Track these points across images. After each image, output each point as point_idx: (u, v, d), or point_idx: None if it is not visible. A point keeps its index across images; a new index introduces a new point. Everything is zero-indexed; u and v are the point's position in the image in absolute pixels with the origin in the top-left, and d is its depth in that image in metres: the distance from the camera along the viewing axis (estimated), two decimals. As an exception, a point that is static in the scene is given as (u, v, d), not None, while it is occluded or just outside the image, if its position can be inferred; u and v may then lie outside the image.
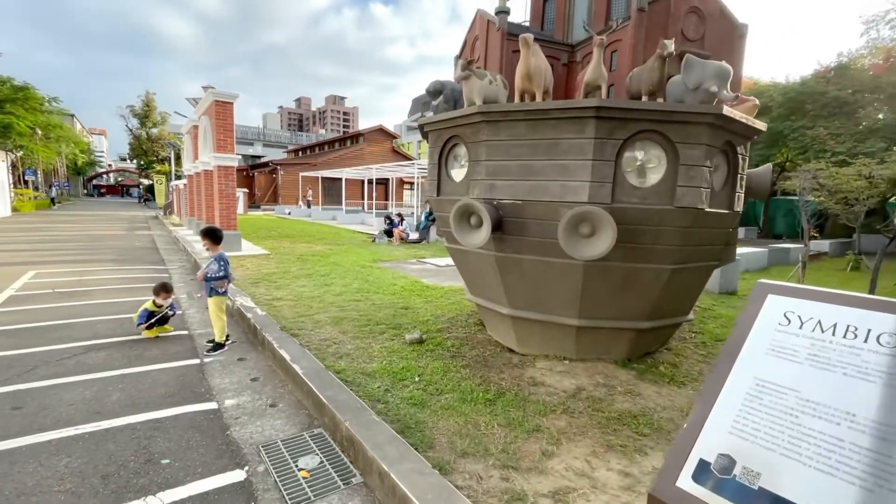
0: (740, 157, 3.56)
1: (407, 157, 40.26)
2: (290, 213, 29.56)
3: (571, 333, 4.06)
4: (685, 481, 1.30)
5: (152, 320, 4.76)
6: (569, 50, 31.42)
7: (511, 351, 4.47)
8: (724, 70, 3.11)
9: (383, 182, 37.06)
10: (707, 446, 1.33)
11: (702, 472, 1.29)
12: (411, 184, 38.83)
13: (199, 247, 11.37)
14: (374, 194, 28.45)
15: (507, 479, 2.45)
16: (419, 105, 4.14)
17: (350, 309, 5.81)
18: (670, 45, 2.91)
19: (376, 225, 18.48)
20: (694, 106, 3.04)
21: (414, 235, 14.79)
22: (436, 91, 4.03)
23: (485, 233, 3.41)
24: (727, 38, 27.39)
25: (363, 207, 29.56)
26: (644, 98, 3.23)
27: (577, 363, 4.16)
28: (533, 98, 3.45)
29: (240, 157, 11.05)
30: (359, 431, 2.65)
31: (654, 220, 3.26)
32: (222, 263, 4.40)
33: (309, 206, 30.58)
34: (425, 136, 4.54)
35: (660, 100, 3.26)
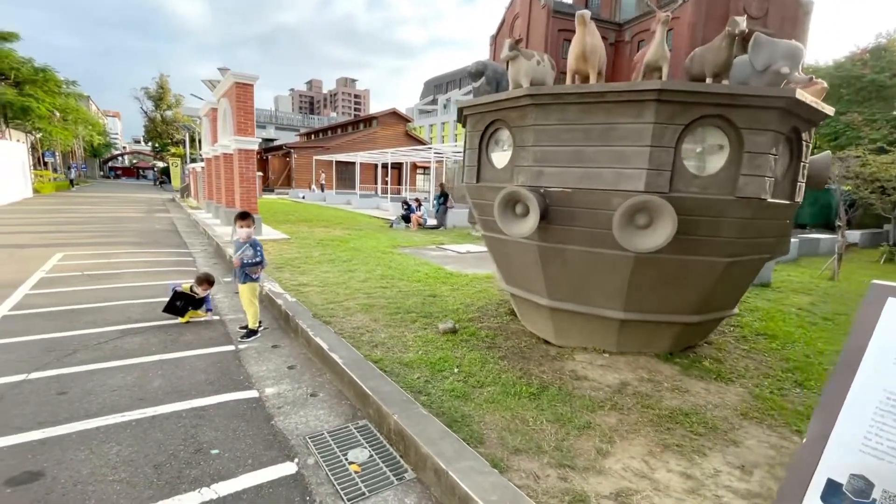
0: (804, 143, 3.35)
1: (420, 141, 39.90)
2: (304, 197, 29.57)
3: (614, 327, 3.94)
4: (813, 501, 1.19)
5: (179, 303, 4.72)
6: (616, 29, 30.05)
7: (547, 342, 4.37)
8: (797, 50, 2.90)
9: (397, 166, 36.83)
10: (834, 465, 1.22)
11: (832, 493, 1.18)
12: (425, 168, 38.57)
13: (219, 230, 11.42)
14: (388, 179, 28.28)
15: (564, 478, 2.37)
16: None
17: (377, 296, 5.74)
18: (742, 23, 2.70)
19: (392, 210, 18.38)
20: (766, 89, 2.84)
21: (432, 221, 14.66)
22: (477, 72, 3.85)
23: (532, 222, 3.28)
24: (791, 15, 25.90)
25: (376, 192, 29.42)
26: (708, 80, 3.03)
27: (618, 357, 4.05)
28: (586, 80, 3.27)
29: (260, 140, 10.96)
30: (409, 426, 2.59)
31: (713, 210, 3.10)
32: (258, 249, 4.34)
33: (322, 190, 30.55)
34: (462, 120, 4.38)
35: (725, 82, 3.05)
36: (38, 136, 28.51)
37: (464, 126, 4.68)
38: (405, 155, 25.08)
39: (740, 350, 4.51)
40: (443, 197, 14.95)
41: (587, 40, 3.00)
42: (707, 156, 3.05)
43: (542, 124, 3.30)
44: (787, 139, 3.23)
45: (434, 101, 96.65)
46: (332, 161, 32.37)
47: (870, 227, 16.20)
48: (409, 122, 38.86)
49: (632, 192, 3.08)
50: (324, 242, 10.26)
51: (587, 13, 3.00)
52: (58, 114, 27.25)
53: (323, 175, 33.01)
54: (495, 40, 36.68)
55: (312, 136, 50.64)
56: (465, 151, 4.50)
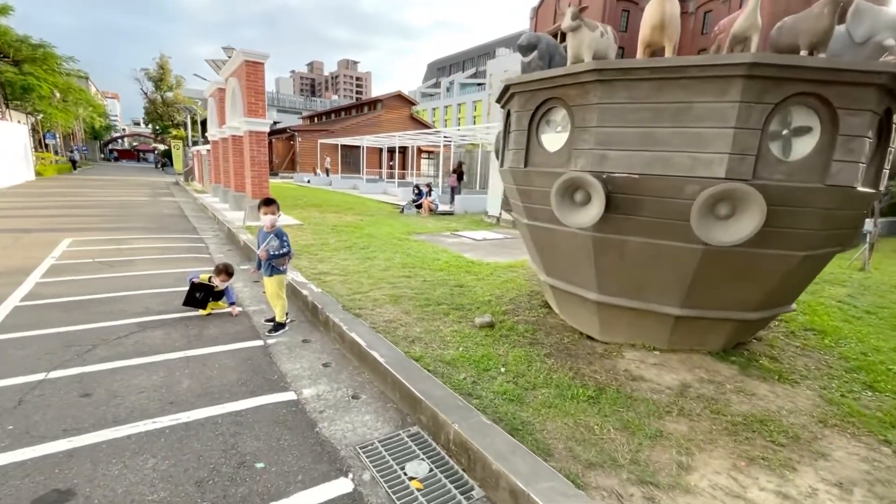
0: (895, 125, 3.04)
1: (426, 125, 39.20)
2: (309, 182, 29.18)
3: (668, 323, 3.68)
4: None
5: (199, 294, 4.47)
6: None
7: (590, 338, 4.13)
8: (904, 19, 2.57)
9: (402, 150, 36.29)
10: None
11: None
12: (430, 152, 37.99)
13: (229, 215, 11.13)
14: (393, 163, 27.81)
15: (651, 498, 2.14)
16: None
17: (403, 286, 5.49)
18: (852, -13, 2.38)
19: (400, 195, 18.04)
20: (873, 63, 2.52)
21: (444, 207, 14.35)
22: (529, 45, 3.52)
23: (595, 211, 2.99)
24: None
25: (381, 176, 28.99)
26: (803, 53, 2.71)
27: (669, 354, 3.80)
28: (655, 53, 2.95)
29: (271, 122, 10.59)
30: (473, 437, 2.35)
31: (798, 199, 2.80)
32: (284, 239, 4.07)
33: (328, 175, 30.12)
34: (504, 99, 4.05)
35: (822, 55, 2.73)
36: (39, 117, 28.00)
37: (503, 106, 4.35)
38: (412, 139, 24.60)
39: (793, 347, 4.26)
40: (458, 177, 14.58)
41: (667, 8, 2.67)
42: (795, 138, 2.74)
43: (607, 103, 2.99)
44: (879, 121, 2.92)
45: (437, 84, 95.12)
46: (336, 145, 31.87)
47: (889, 217, 15.83)
48: (414, 105, 38.12)
49: (709, 178, 2.78)
50: (338, 228, 9.98)
51: (669, -25, 2.65)
52: (58, 94, 26.70)
53: (328, 159, 32.54)
54: (537, 12, 35.02)
55: (316, 120, 49.90)
56: (506, 134, 4.18)
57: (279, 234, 4.06)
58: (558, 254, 3.93)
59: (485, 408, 2.80)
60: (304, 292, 4.82)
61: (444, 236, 10.02)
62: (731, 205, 2.66)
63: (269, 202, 4.06)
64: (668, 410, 2.93)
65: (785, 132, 2.75)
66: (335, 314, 4.17)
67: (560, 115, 3.40)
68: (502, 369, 3.41)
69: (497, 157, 4.87)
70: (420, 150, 37.95)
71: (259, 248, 4.06)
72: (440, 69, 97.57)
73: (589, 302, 3.90)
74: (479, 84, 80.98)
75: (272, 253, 3.99)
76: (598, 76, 2.95)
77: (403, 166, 37.38)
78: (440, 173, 23.51)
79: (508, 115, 4.20)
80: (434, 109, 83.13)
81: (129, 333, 4.02)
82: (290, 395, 3.07)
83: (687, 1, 25.37)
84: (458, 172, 15.20)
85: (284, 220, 10.82)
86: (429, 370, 3.23)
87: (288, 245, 4.09)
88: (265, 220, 4.07)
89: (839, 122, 2.66)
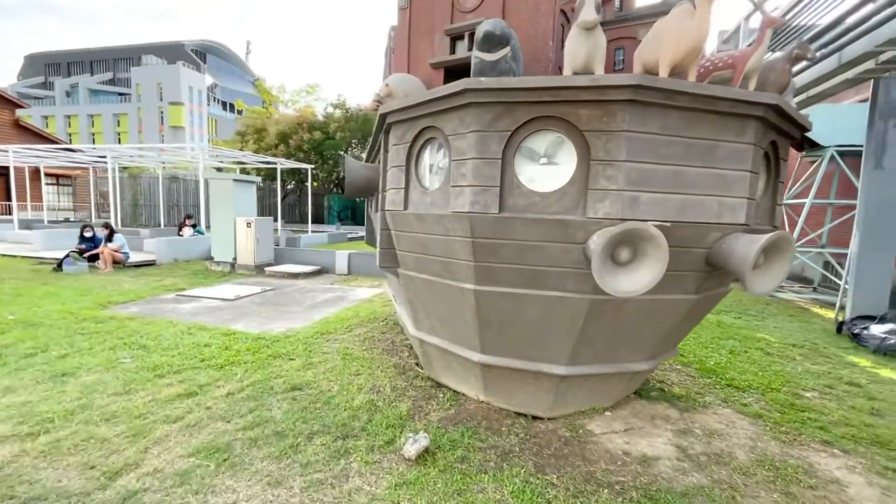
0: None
1: (46, 138, 27.52)
2: None
3: (625, 381, 3.32)
4: None
5: None
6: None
7: (535, 418, 3.32)
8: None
9: (3, 173, 24.28)
10: None
11: None
12: (60, 177, 27.01)
13: None
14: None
15: None
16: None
17: (203, 427, 3.07)
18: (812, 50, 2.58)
19: (41, 242, 11.67)
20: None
21: (141, 256, 10.04)
22: (503, 38, 2.38)
23: (653, 273, 2.23)
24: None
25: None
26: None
27: (618, 412, 3.45)
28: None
29: None
30: None
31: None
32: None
33: None
34: (424, 114, 2.73)
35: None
36: None
37: (382, 130, 2.97)
38: (37, 156, 16.58)
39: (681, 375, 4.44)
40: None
41: (706, 28, 2.22)
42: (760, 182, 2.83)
43: (638, 131, 2.29)
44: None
45: (47, 85, 70.21)
46: None
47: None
48: (23, 107, 26.05)
49: (732, 225, 2.52)
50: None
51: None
52: None
53: None
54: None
55: None
56: (411, 165, 2.85)
57: None
58: (520, 326, 2.92)
59: None
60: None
61: (167, 301, 6.83)
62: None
63: None
64: None
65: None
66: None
67: (549, 142, 2.45)
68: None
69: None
70: (39, 173, 26.33)
71: None
72: (51, 66, 72.63)
73: (551, 377, 3.08)
74: (121, 94, 64.83)
75: None
76: (633, 95, 2.21)
77: (7, 196, 25.09)
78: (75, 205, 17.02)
79: (415, 139, 2.88)
80: (47, 118, 61.20)
81: None
82: None
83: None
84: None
85: None
86: None
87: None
88: None
89: (780, 167, 2.92)
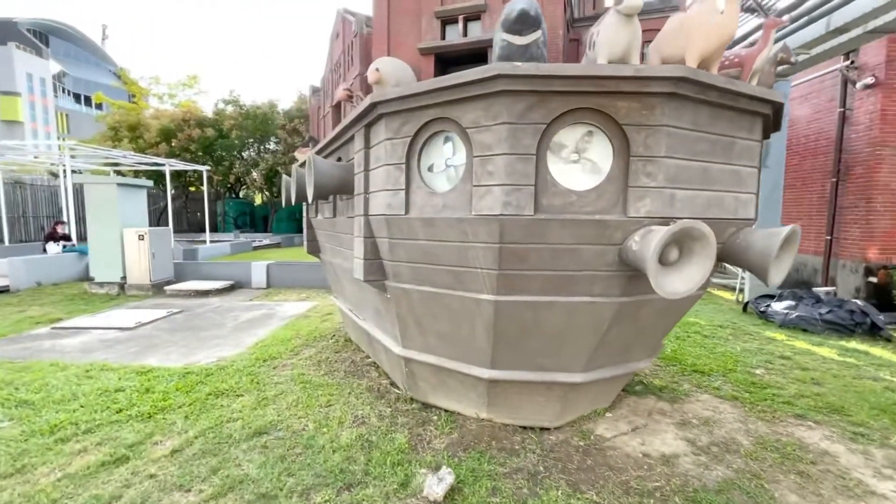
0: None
1: None
2: None
3: (620, 384, 3.30)
4: None
5: None
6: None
7: (542, 429, 3.15)
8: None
9: None
10: None
11: None
12: None
13: None
14: None
15: None
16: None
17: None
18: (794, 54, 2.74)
19: None
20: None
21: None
22: (536, 20, 2.11)
23: (702, 273, 2.16)
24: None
25: None
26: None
27: (617, 411, 3.43)
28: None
29: None
30: None
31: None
32: None
33: None
34: (429, 105, 2.38)
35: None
36: None
37: (362, 122, 2.56)
38: None
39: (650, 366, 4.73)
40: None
41: (736, 21, 2.21)
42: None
43: (675, 126, 2.20)
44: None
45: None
46: None
47: None
48: None
49: (745, 220, 2.58)
50: None
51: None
52: None
53: None
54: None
55: None
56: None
57: None
58: (538, 336, 2.70)
59: None
60: None
61: (41, 337, 5.47)
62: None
63: None
64: None
65: (742, 173, 2.92)
66: None
67: (581, 136, 2.27)
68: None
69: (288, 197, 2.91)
70: None
71: None
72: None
73: (563, 386, 2.93)
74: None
75: None
76: (674, 87, 2.12)
77: None
78: None
79: (418, 133, 2.51)
80: None
81: None
82: None
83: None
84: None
85: None
86: None
87: None
88: None
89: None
